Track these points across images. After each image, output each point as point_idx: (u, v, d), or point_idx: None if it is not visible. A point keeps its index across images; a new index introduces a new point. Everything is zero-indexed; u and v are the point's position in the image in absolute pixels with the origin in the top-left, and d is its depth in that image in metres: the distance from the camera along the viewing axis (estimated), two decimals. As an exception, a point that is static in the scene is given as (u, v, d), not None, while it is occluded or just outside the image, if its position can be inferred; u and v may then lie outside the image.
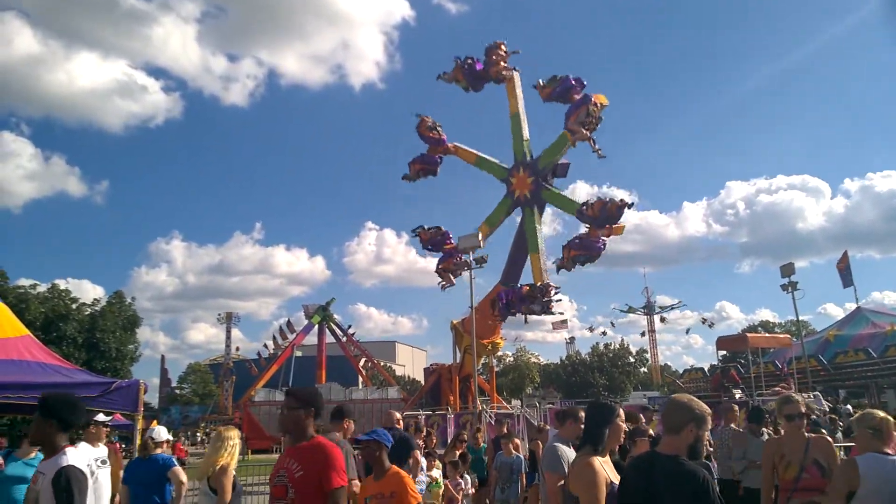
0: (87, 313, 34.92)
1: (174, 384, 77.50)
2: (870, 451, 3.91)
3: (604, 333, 67.81)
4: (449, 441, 12.88)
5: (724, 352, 31.60)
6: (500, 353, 45.81)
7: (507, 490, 8.84)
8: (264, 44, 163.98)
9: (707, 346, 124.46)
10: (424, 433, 11.37)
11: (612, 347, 67.55)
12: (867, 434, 3.98)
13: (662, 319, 70.56)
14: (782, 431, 5.33)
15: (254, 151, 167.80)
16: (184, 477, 6.17)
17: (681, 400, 3.15)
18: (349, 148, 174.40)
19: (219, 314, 69.78)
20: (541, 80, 23.40)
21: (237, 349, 66.84)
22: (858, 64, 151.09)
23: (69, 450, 3.45)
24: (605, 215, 20.20)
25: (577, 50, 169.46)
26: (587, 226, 21.03)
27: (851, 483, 3.78)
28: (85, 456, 5.95)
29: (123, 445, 19.19)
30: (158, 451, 6.20)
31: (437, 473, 8.15)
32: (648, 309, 72.65)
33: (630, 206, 20.54)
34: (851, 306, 36.58)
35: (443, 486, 8.12)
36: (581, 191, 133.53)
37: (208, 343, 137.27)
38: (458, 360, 24.39)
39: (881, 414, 4.10)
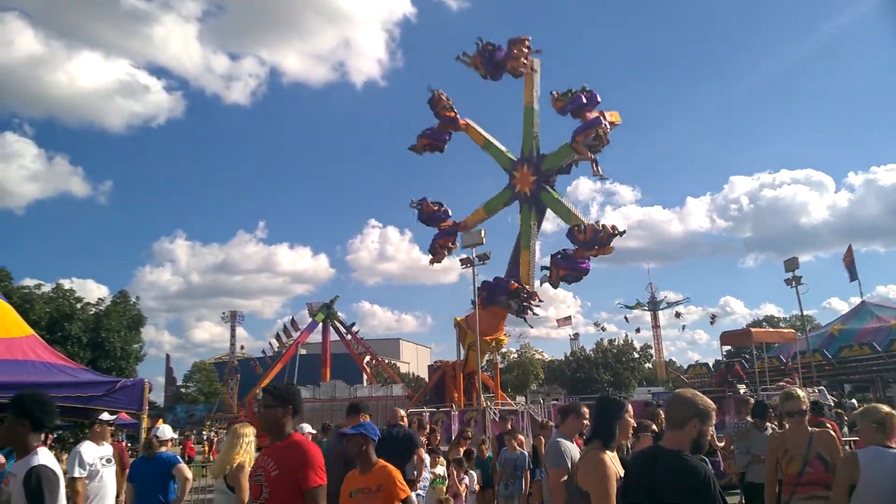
0: (91, 313, 35.14)
1: (179, 383, 78.04)
2: (873, 445, 3.91)
3: (602, 329, 67.63)
4: (453, 438, 12.85)
5: (729, 347, 31.46)
6: (504, 350, 45.84)
7: (511, 486, 8.86)
8: (265, 42, 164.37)
9: (712, 341, 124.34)
10: (428, 430, 11.39)
11: (616, 343, 67.61)
12: (871, 428, 3.99)
13: (677, 315, 70.25)
14: (787, 426, 5.33)
15: (256, 150, 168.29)
16: (188, 473, 6.20)
17: (684, 395, 3.15)
18: (351, 145, 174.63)
19: (223, 313, 69.86)
20: (555, 92, 23.13)
21: (242, 348, 66.86)
22: (862, 57, 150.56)
23: (41, 450, 3.33)
24: (595, 240, 20.32)
25: (581, 45, 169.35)
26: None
27: (853, 477, 3.80)
28: (89, 454, 5.91)
29: (129, 444, 19.34)
30: (163, 449, 6.23)
31: (440, 470, 8.17)
32: (653, 305, 72.64)
33: (622, 233, 20.74)
34: (856, 300, 36.37)
35: (446, 483, 8.13)
36: (584, 187, 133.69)
37: (213, 342, 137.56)
38: (461, 357, 24.36)
39: (885, 408, 4.11)
